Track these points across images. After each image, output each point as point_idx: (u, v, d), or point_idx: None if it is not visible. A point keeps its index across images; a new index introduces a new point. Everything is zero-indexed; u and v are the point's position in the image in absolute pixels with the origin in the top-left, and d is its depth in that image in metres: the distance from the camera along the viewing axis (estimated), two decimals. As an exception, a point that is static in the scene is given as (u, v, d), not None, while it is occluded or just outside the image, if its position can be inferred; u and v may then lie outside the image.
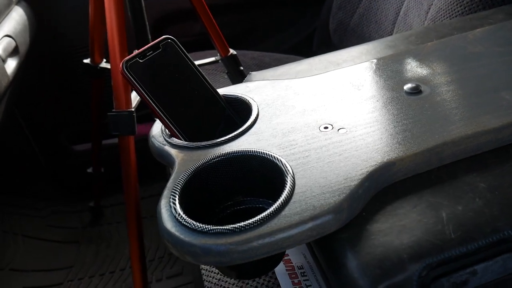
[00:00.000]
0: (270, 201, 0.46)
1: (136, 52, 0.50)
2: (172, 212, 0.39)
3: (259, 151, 0.44)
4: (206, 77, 0.55)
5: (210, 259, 0.36)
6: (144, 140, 0.92)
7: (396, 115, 0.46)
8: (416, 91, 0.49)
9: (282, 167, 0.41)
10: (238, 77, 0.94)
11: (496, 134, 0.41)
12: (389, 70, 0.54)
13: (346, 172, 0.40)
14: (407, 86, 0.50)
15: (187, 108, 0.52)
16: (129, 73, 0.49)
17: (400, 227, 0.36)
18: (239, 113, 0.55)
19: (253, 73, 0.65)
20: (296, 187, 0.39)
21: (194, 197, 0.44)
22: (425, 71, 0.52)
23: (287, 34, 1.36)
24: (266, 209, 0.47)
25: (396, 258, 0.34)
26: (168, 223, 0.38)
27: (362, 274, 0.34)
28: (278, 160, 0.42)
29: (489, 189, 0.38)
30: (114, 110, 0.71)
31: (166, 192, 0.42)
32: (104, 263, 1.06)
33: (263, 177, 0.45)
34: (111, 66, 0.78)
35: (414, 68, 0.53)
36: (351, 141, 0.43)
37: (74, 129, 1.20)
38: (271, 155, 0.43)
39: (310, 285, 0.52)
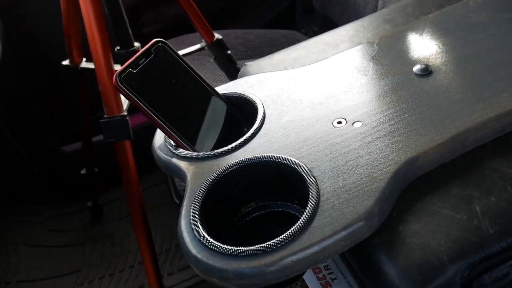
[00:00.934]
0: (289, 203, 0.44)
1: (127, 62, 0.47)
2: (195, 235, 0.38)
3: (275, 157, 0.42)
4: (203, 77, 0.52)
5: (244, 282, 0.35)
6: (138, 130, 0.88)
7: (411, 102, 0.44)
8: (426, 72, 0.47)
9: (304, 174, 0.39)
10: (226, 62, 0.91)
11: (517, 114, 0.40)
12: (393, 50, 0.52)
13: (370, 172, 0.38)
14: (416, 68, 0.48)
15: (189, 114, 0.49)
16: (124, 87, 0.46)
17: (434, 227, 0.35)
18: (242, 111, 0.53)
19: (249, 63, 0.62)
20: (321, 193, 0.38)
21: (212, 210, 0.42)
22: (431, 48, 0.50)
23: (266, 7, 1.31)
24: (286, 213, 0.46)
25: (437, 261, 0.33)
26: (193, 248, 0.37)
27: (404, 281, 0.33)
28: (297, 165, 0.40)
29: (519, 175, 0.37)
30: (105, 116, 0.67)
31: (184, 212, 0.40)
32: (111, 263, 1.05)
33: (281, 180, 0.43)
34: (95, 66, 0.74)
35: (419, 46, 0.51)
36: (368, 136, 0.42)
37: (61, 131, 1.16)
38: (290, 159, 0.41)
39: (335, 278, 0.51)
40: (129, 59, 0.47)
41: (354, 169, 0.39)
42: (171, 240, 1.06)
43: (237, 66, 0.90)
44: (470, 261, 0.33)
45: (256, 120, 0.48)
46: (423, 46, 0.51)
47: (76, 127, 1.06)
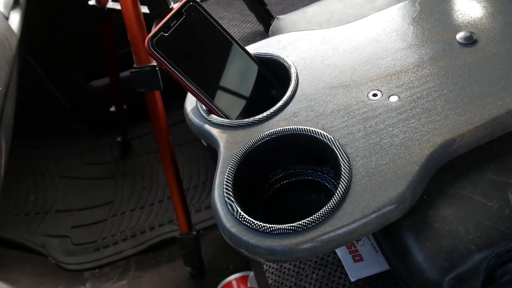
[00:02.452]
0: (320, 172, 0.45)
1: (159, 25, 0.46)
2: (229, 209, 0.39)
3: (309, 130, 0.42)
4: (235, 37, 0.50)
5: (275, 258, 0.37)
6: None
7: (451, 75, 0.43)
8: (470, 41, 0.45)
9: (337, 151, 0.40)
10: (255, 1, 0.86)
11: None
12: (437, 12, 0.49)
13: (404, 153, 0.38)
14: (459, 35, 0.45)
15: (221, 78, 0.49)
16: (156, 51, 0.45)
17: (464, 213, 0.36)
18: (274, 73, 0.52)
19: (281, 17, 0.60)
20: (353, 173, 0.38)
21: (244, 178, 0.43)
22: (478, 12, 0.47)
23: None
24: (317, 182, 0.47)
25: (464, 250, 0.34)
26: (227, 222, 0.38)
27: (431, 266, 0.34)
28: (330, 141, 0.40)
29: (557, 163, 0.36)
30: (135, 66, 0.67)
31: (217, 182, 0.41)
32: (142, 196, 1.10)
33: (313, 151, 0.43)
34: (121, 7, 0.72)
35: (465, 8, 0.48)
36: (404, 113, 0.41)
37: (88, 67, 1.16)
38: (323, 134, 0.41)
39: (359, 239, 0.53)
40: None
41: (387, 149, 0.39)
42: (199, 177, 1.10)
43: (267, 7, 0.86)
44: (497, 251, 0.34)
45: (289, 86, 0.48)
46: (470, 9, 0.48)
47: (103, 64, 1.06)
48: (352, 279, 0.50)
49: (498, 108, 0.39)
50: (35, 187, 1.13)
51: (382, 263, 0.48)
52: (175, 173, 0.76)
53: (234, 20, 0.90)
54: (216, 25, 0.49)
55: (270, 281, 0.56)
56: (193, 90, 0.46)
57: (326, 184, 0.44)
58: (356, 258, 0.52)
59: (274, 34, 0.60)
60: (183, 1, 0.48)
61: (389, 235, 0.38)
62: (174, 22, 0.47)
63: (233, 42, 0.50)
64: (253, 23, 0.90)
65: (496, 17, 0.46)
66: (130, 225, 1.03)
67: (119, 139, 1.17)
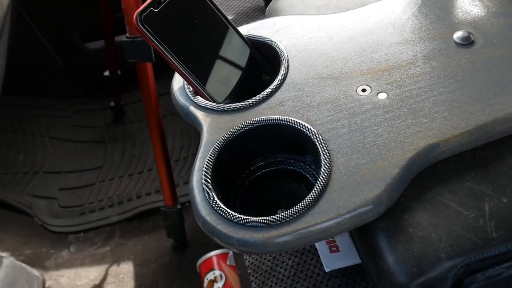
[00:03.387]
0: (302, 162, 0.45)
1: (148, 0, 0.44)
2: (205, 196, 0.39)
3: (293, 121, 0.41)
4: (228, 17, 0.49)
5: (247, 250, 0.37)
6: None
7: (443, 76, 0.42)
8: (467, 42, 0.43)
9: (319, 146, 0.39)
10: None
11: (554, 108, 0.38)
12: (437, 7, 0.47)
13: (386, 154, 0.38)
14: (457, 35, 0.44)
15: (210, 60, 0.47)
16: (144, 28, 0.44)
17: (439, 220, 0.35)
18: (266, 57, 0.50)
19: (279, -3, 0.58)
20: (333, 170, 0.38)
21: (224, 165, 0.43)
22: (479, 10, 0.46)
23: None
24: (298, 172, 0.46)
25: (434, 257, 0.34)
26: (203, 209, 0.38)
27: (400, 270, 0.34)
28: (313, 134, 0.40)
29: (538, 177, 0.36)
30: (128, 35, 0.65)
31: (197, 167, 0.41)
32: (131, 163, 1.10)
33: (296, 142, 0.43)
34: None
35: (466, 6, 0.46)
36: (391, 112, 0.40)
37: (84, 26, 1.14)
38: (307, 127, 0.40)
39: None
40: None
41: (370, 148, 0.38)
42: (189, 149, 1.10)
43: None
44: (467, 261, 0.34)
45: (279, 73, 0.47)
46: (472, 7, 0.46)
47: (99, 25, 1.04)
48: (327, 269, 0.50)
49: (485, 115, 0.38)
50: (25, 147, 1.13)
51: (358, 256, 0.48)
52: (162, 146, 0.76)
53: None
54: (210, 3, 0.48)
55: (247, 263, 0.57)
56: (181, 71, 0.45)
57: (307, 175, 0.44)
58: (332, 248, 0.52)
59: (270, 14, 0.58)
60: (175, -24, 0.46)
61: (363, 234, 0.38)
62: (165, -3, 0.45)
63: (226, 22, 0.48)
64: (253, -3, 0.88)
65: (498, 18, 0.45)
66: (117, 192, 1.04)
67: (112, 103, 1.16)
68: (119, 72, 1.06)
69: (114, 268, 0.83)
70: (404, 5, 0.49)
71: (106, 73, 1.06)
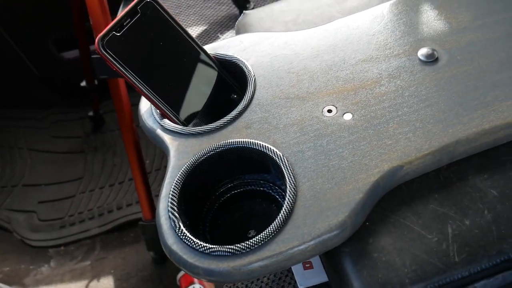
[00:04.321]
0: (271, 183, 0.44)
1: (111, 24, 0.43)
2: (171, 224, 0.39)
3: (259, 145, 0.41)
4: (194, 38, 0.48)
5: (213, 279, 0.37)
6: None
7: (407, 96, 0.42)
8: (431, 59, 0.43)
9: (285, 171, 0.39)
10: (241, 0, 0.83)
11: (516, 127, 0.38)
12: (402, 23, 0.47)
13: (351, 178, 0.37)
14: (421, 52, 0.44)
15: (177, 81, 0.47)
16: (107, 52, 0.43)
17: (403, 244, 0.36)
18: (234, 75, 0.50)
19: (247, 12, 0.58)
20: (298, 196, 0.38)
21: (191, 190, 0.42)
22: (443, 26, 0.46)
23: None
24: (267, 192, 0.46)
25: (398, 283, 0.34)
26: (169, 238, 0.38)
27: (364, 296, 0.34)
28: (279, 158, 0.40)
29: (500, 198, 0.36)
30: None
31: (164, 194, 0.41)
32: (112, 173, 1.09)
33: (263, 162, 0.43)
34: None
35: (431, 22, 0.46)
36: (356, 133, 0.40)
37: (60, 35, 1.12)
38: (273, 151, 0.40)
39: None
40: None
41: (335, 172, 0.38)
42: (162, 161, 1.09)
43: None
44: (430, 286, 0.34)
45: (245, 94, 0.46)
46: (437, 23, 0.46)
47: (74, 34, 1.03)
48: (300, 287, 0.51)
49: (448, 136, 0.38)
50: (2, 160, 1.11)
51: (331, 272, 0.48)
52: (138, 159, 0.75)
53: (209, 1, 0.87)
54: (174, 24, 0.47)
55: (223, 280, 0.57)
56: (146, 94, 0.45)
57: (276, 196, 0.44)
58: (306, 265, 0.52)
59: (239, 29, 0.57)
60: (138, -2, 0.45)
61: (329, 258, 0.38)
62: (127, 21, 0.44)
63: (192, 43, 0.48)
64: (228, 5, 0.87)
65: (461, 34, 0.45)
66: (98, 203, 1.03)
67: (90, 113, 1.15)
68: (96, 82, 1.05)
69: (94, 284, 0.83)
70: (370, 20, 0.48)
71: (83, 83, 1.04)
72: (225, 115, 0.46)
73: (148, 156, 1.06)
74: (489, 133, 0.38)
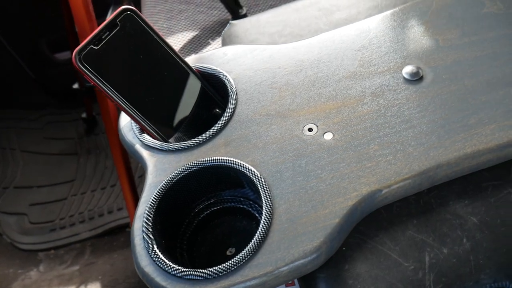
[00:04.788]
0: (251, 201, 0.44)
1: (88, 37, 0.43)
2: (145, 246, 0.38)
3: (237, 164, 0.40)
4: (176, 51, 0.47)
5: (185, 303, 0.36)
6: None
7: (390, 116, 0.41)
8: (415, 78, 0.42)
9: (262, 193, 0.38)
10: (233, 5, 0.81)
11: (499, 152, 0.37)
12: (388, 40, 0.46)
13: (328, 202, 0.37)
14: (406, 70, 0.43)
15: (157, 95, 0.46)
16: (84, 67, 0.42)
17: (378, 271, 0.35)
18: (216, 88, 0.49)
19: (233, 22, 0.57)
20: (274, 219, 0.37)
21: (168, 208, 0.41)
22: (430, 43, 0.45)
23: None
24: (248, 210, 0.46)
25: (372, 313, 0.33)
26: (142, 260, 0.37)
27: (337, 325, 0.34)
28: (258, 179, 0.39)
29: (479, 226, 0.35)
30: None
31: (139, 213, 0.40)
32: (104, 176, 1.08)
33: (240, 181, 0.42)
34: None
35: (418, 38, 0.45)
36: (336, 154, 0.39)
37: (54, 36, 1.11)
38: (252, 171, 0.39)
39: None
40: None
41: (312, 194, 0.37)
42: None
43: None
44: (404, 316, 0.33)
45: (226, 109, 0.45)
46: (423, 40, 0.45)
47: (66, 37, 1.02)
48: (282, 304, 0.50)
49: (429, 160, 0.37)
50: (-6, 161, 1.11)
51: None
52: (125, 166, 0.74)
53: (201, 6, 0.86)
54: (155, 36, 0.46)
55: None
56: (125, 108, 0.44)
57: (256, 214, 0.43)
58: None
59: (225, 40, 0.57)
60: (118, 10, 0.44)
61: (306, 281, 0.37)
62: (106, 34, 0.43)
63: (173, 55, 0.47)
64: (221, 10, 0.86)
65: (447, 52, 0.44)
66: (89, 207, 1.02)
67: (84, 115, 1.14)
68: (87, 84, 1.04)
69: (81, 290, 0.82)
70: (356, 35, 0.47)
71: (75, 85, 1.03)
72: (207, 129, 0.45)
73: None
74: (471, 157, 0.37)
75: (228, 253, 0.44)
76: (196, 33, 0.80)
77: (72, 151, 1.13)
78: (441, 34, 0.45)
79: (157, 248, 0.38)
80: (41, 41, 1.10)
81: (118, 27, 0.44)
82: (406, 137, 0.39)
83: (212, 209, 0.44)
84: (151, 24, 0.46)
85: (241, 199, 0.44)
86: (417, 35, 0.46)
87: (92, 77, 0.42)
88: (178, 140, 0.47)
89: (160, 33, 0.46)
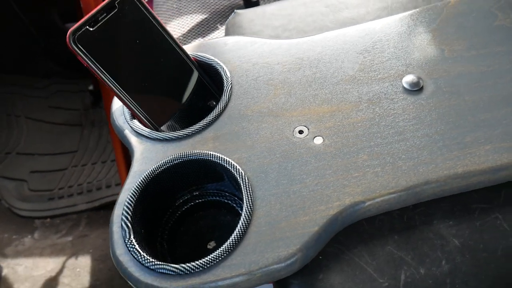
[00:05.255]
0: (236, 197, 0.43)
1: (84, 18, 0.42)
2: (122, 234, 0.38)
3: (223, 160, 0.39)
4: (174, 37, 0.46)
5: (154, 296, 0.36)
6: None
7: (383, 125, 0.39)
8: (415, 88, 0.41)
9: (244, 194, 0.37)
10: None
11: (491, 175, 0.36)
12: (392, 45, 0.44)
13: (310, 209, 0.36)
14: (406, 79, 0.41)
15: (151, 82, 0.45)
16: (77, 47, 0.41)
17: (352, 284, 0.34)
18: (213, 79, 0.48)
19: (239, 11, 0.55)
20: (252, 221, 0.36)
21: (151, 198, 0.41)
22: (435, 52, 0.43)
23: None
24: (232, 206, 0.45)
25: (340, 326, 0.33)
26: (118, 249, 0.37)
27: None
28: (242, 178, 0.38)
29: (461, 249, 0.34)
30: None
31: (120, 200, 0.40)
32: (106, 149, 1.09)
33: (225, 177, 0.41)
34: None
35: (424, 45, 0.44)
36: (324, 160, 0.38)
37: (65, 7, 1.10)
38: (237, 169, 0.39)
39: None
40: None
41: (294, 199, 0.37)
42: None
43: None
44: (372, 333, 0.32)
45: (219, 102, 0.44)
46: (428, 49, 0.43)
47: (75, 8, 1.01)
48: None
49: (417, 175, 0.36)
50: (0, 126, 1.12)
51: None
52: (122, 148, 0.74)
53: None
54: (154, 21, 0.45)
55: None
56: (117, 93, 0.43)
57: (240, 211, 0.42)
58: None
59: (229, 29, 0.55)
60: (117, -9, 0.43)
61: (279, 285, 0.37)
62: (103, 16, 0.42)
63: (171, 42, 0.46)
64: (232, -5, 0.84)
65: (452, 64, 0.42)
66: (88, 179, 1.03)
67: (91, 87, 1.14)
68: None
69: (72, 261, 0.83)
70: (360, 37, 0.46)
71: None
72: (201, 120, 0.44)
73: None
74: (461, 177, 0.36)
75: (208, 246, 0.43)
76: (205, 16, 0.79)
77: (77, 122, 1.13)
78: (448, 44, 0.43)
79: (134, 237, 0.37)
80: (53, 11, 1.09)
81: (116, 9, 0.43)
82: (397, 150, 0.38)
83: (197, 201, 0.44)
84: (151, 9, 0.45)
85: (227, 194, 0.44)
86: (423, 43, 0.44)
87: (85, 58, 0.42)
88: (171, 128, 0.46)
89: (160, 19, 0.45)
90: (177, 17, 0.78)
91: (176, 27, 0.78)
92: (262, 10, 0.54)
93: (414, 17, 0.46)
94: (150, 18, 0.45)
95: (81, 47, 0.41)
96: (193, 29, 0.77)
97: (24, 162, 1.06)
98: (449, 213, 0.36)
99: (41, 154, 1.08)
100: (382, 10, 0.50)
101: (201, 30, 0.77)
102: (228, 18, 0.81)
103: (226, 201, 0.43)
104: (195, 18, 0.79)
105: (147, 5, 0.44)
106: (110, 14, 0.42)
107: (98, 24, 0.42)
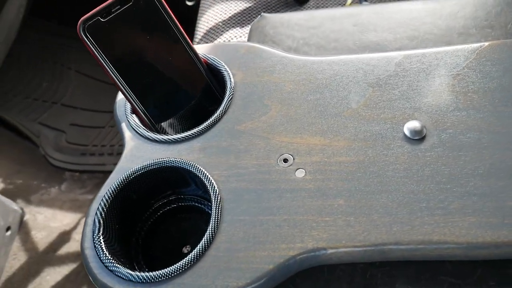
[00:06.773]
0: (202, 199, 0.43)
1: (97, 8, 0.42)
2: (93, 228, 0.39)
3: (202, 173, 0.39)
4: (187, 37, 0.46)
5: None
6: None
7: (371, 172, 0.37)
8: (416, 137, 0.38)
9: (213, 216, 0.37)
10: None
11: (468, 251, 0.33)
12: (406, 82, 0.41)
13: (271, 245, 0.35)
14: (408, 125, 0.39)
15: (157, 79, 0.45)
16: (86, 37, 0.42)
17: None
18: (219, 82, 0.47)
19: (265, 15, 0.54)
20: (213, 244, 0.36)
21: (130, 197, 0.42)
22: (449, 100, 0.39)
23: None
24: (206, 212, 0.45)
25: None
26: (86, 241, 0.38)
27: None
28: (215, 199, 0.38)
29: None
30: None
31: (100, 193, 0.41)
32: (143, 116, 1.12)
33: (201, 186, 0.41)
34: None
35: (439, 89, 0.40)
36: (300, 196, 0.37)
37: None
38: (213, 186, 0.38)
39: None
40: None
41: (259, 231, 0.36)
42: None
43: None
44: None
45: (215, 113, 0.44)
46: (441, 92, 0.40)
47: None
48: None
49: (389, 234, 0.34)
50: (51, 76, 1.17)
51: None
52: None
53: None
54: (168, 19, 0.45)
55: None
56: (120, 87, 0.44)
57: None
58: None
59: (252, 31, 0.54)
60: (134, -15, 0.43)
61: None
62: (117, 8, 0.43)
63: (182, 41, 0.45)
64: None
65: (464, 117, 0.38)
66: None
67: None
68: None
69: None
70: (375, 66, 0.43)
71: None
72: (202, 122, 0.44)
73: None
74: (435, 245, 0.33)
75: (184, 250, 0.44)
76: (249, 5, 0.77)
77: (122, 83, 1.17)
78: (466, 94, 0.40)
79: (104, 234, 0.39)
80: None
81: (131, 3, 0.43)
82: (376, 202, 0.36)
83: (179, 204, 0.45)
84: (166, 5, 0.44)
85: (206, 201, 0.44)
86: (440, 87, 0.40)
87: (92, 48, 0.42)
88: (171, 126, 0.47)
89: (174, 17, 0.45)
90: (217, 3, 0.77)
91: (217, 16, 0.77)
92: (289, 17, 0.51)
93: (439, 56, 0.42)
94: (165, 16, 0.44)
95: (89, 37, 0.42)
96: (232, 17, 0.75)
97: (67, 114, 1.11)
98: (414, 279, 0.34)
99: (83, 109, 1.13)
100: (410, 40, 0.47)
101: (245, 18, 0.76)
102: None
103: (203, 207, 0.44)
104: (239, 5, 0.77)
105: (164, 2, 0.44)
106: (124, 7, 0.42)
107: (110, 16, 0.42)
